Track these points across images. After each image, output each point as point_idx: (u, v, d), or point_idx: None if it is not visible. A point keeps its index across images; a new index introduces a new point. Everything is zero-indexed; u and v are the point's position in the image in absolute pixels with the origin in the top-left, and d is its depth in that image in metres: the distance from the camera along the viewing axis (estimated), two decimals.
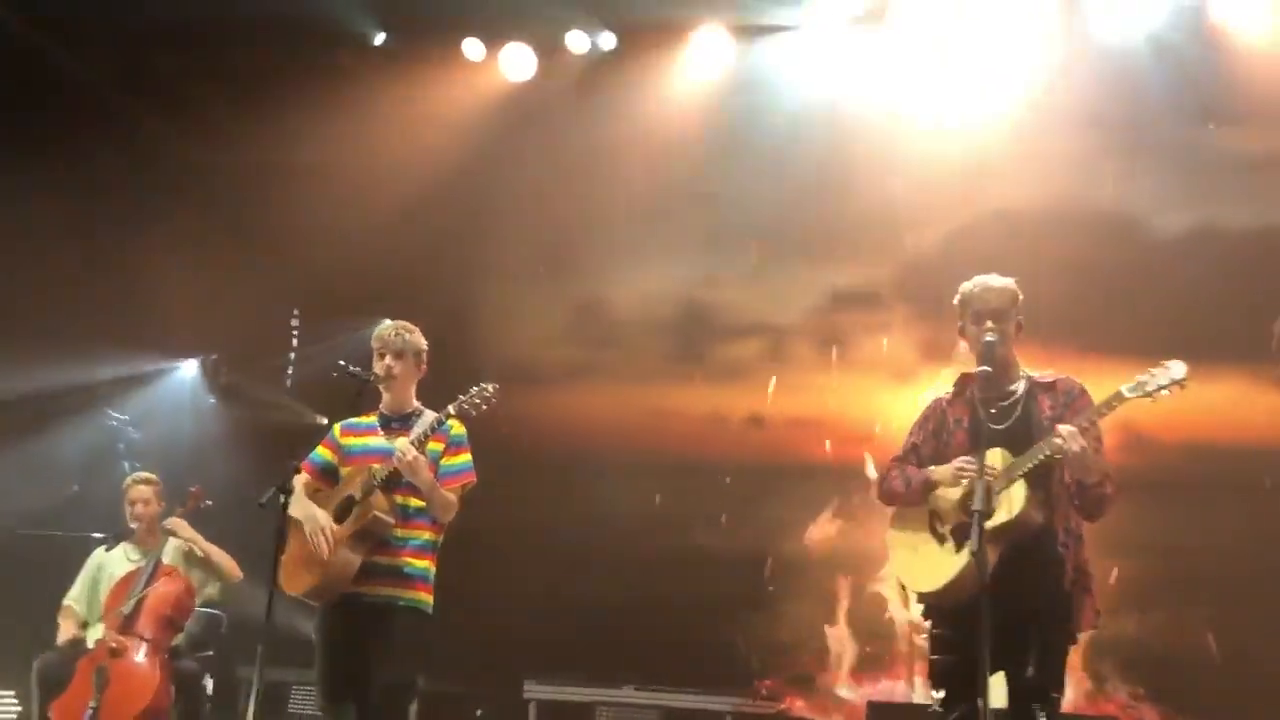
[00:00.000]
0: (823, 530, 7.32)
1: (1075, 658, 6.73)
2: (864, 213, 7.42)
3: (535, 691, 6.70)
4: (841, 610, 7.16)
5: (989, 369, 3.62)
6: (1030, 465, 3.53)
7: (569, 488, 7.51)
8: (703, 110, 7.60)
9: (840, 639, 7.12)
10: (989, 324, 3.71)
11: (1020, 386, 3.79)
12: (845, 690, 7.02)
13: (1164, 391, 3.42)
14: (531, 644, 6.98)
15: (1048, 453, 3.49)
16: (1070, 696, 6.70)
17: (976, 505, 3.29)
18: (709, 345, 7.86)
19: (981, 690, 3.11)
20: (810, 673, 7.12)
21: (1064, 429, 3.46)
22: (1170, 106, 7.08)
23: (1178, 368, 3.44)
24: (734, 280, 7.81)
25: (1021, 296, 3.82)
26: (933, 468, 3.80)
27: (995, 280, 3.82)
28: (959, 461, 3.68)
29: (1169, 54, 6.98)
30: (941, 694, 3.60)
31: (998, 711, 3.30)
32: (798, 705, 7.03)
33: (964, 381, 3.92)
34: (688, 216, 7.86)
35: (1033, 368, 3.90)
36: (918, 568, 3.77)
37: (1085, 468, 3.50)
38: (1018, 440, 3.63)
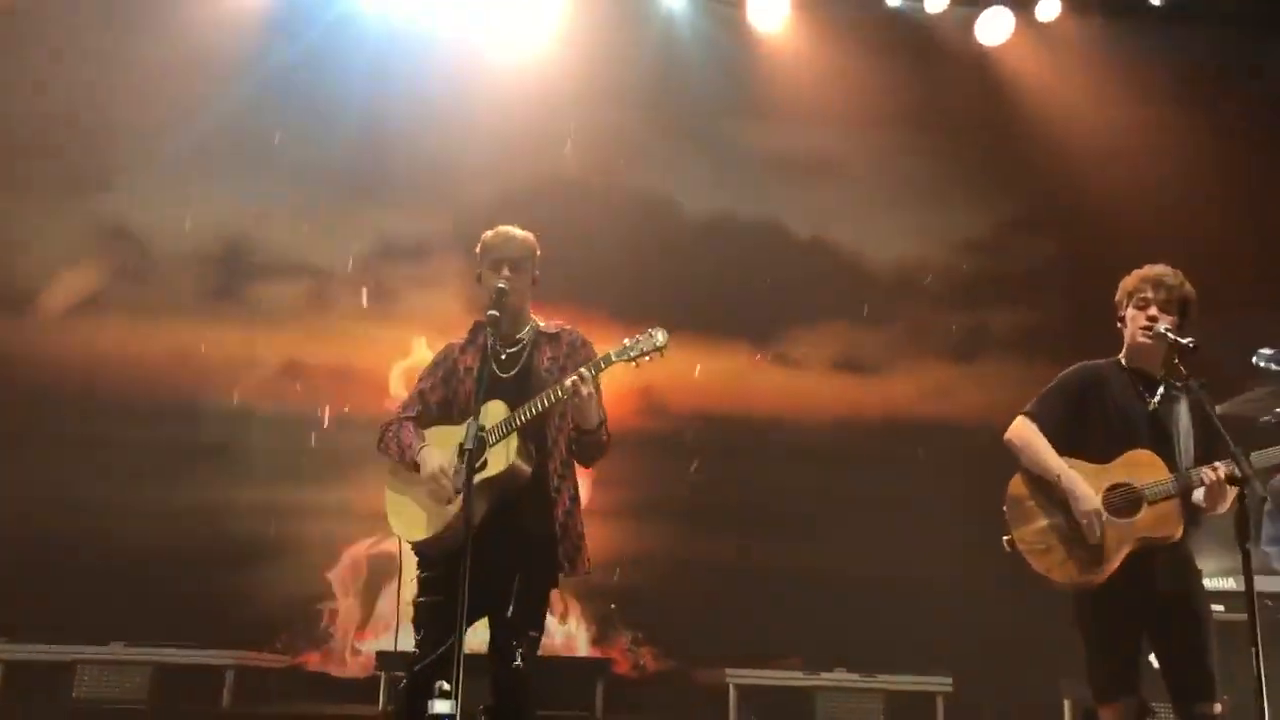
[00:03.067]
0: (350, 483, 7.18)
1: (580, 605, 7.24)
2: (421, 164, 7.37)
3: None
4: (359, 564, 7.08)
5: (497, 313, 3.69)
6: (530, 415, 3.64)
7: (80, 430, 6.80)
8: (261, 38, 7.19)
9: (356, 592, 7.06)
10: (505, 271, 3.80)
11: (527, 335, 3.91)
12: (360, 643, 6.97)
13: (645, 357, 3.62)
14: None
15: (555, 398, 3.62)
16: (579, 641, 7.21)
17: (466, 444, 3.36)
18: (248, 284, 7.41)
19: (459, 630, 3.17)
20: (327, 625, 7.00)
21: (574, 377, 3.60)
22: (708, 98, 7.66)
23: (660, 335, 3.62)
24: (282, 219, 7.42)
25: (539, 251, 3.92)
26: (424, 453, 3.77)
27: (516, 231, 3.91)
28: (439, 470, 3.70)
29: (711, 48, 7.55)
30: (421, 634, 3.64)
31: (478, 654, 3.38)
32: (313, 659, 6.88)
33: (476, 328, 3.97)
34: (236, 146, 7.35)
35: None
36: (410, 517, 3.78)
37: (587, 415, 3.65)
38: (520, 389, 3.72)
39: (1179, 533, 3.69)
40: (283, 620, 6.88)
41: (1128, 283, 3.97)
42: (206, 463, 6.97)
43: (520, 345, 3.89)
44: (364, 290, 7.44)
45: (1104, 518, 3.70)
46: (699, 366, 7.54)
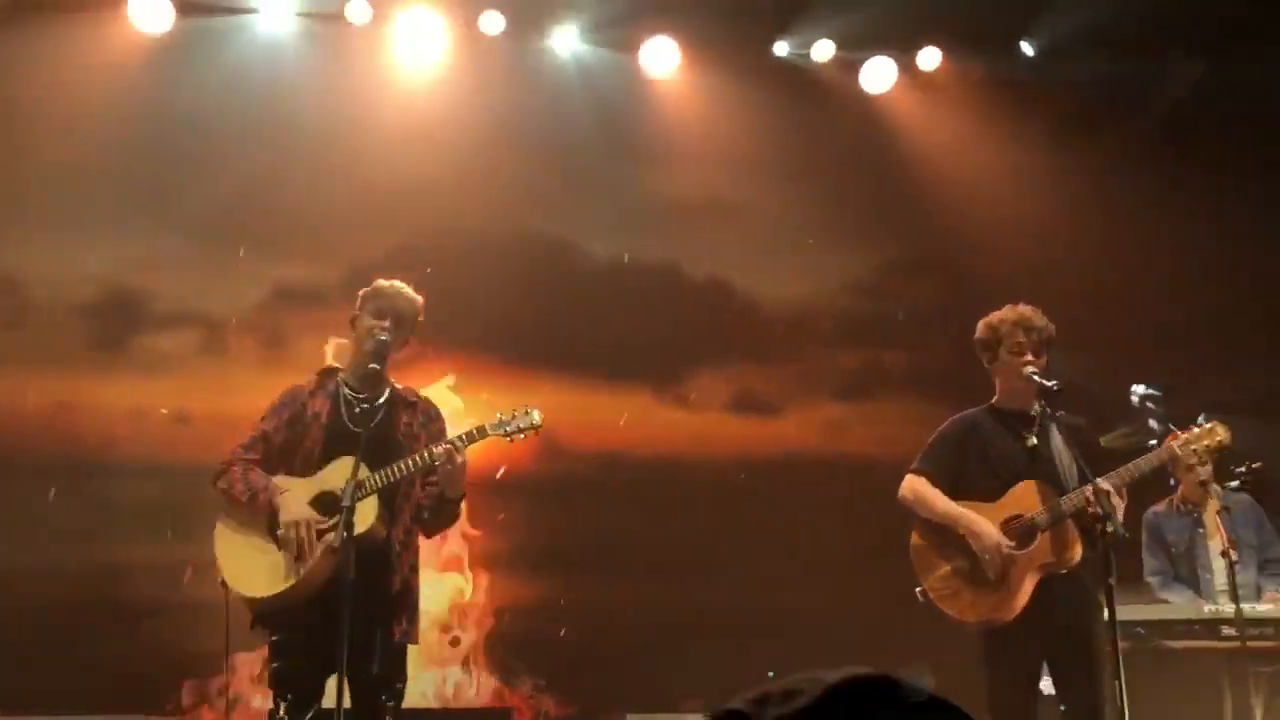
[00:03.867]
0: None
1: (482, 654, 7.18)
2: (316, 212, 7.31)
3: None
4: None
5: (378, 367, 3.69)
6: (393, 478, 3.64)
7: None
8: (148, 81, 7.08)
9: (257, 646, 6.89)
10: (387, 323, 3.79)
11: (385, 394, 3.87)
12: (258, 698, 6.80)
13: (521, 435, 3.69)
14: None
15: (421, 463, 3.62)
16: (481, 692, 7.13)
17: (346, 501, 3.34)
18: (134, 333, 7.24)
19: (339, 688, 3.16)
20: (224, 680, 6.81)
21: (447, 445, 3.60)
22: (603, 143, 7.76)
23: (536, 415, 3.72)
24: (169, 265, 7.27)
25: (421, 318, 3.94)
26: (284, 499, 3.68)
27: (409, 290, 3.92)
28: (301, 521, 3.64)
29: (605, 94, 7.65)
30: (289, 698, 3.58)
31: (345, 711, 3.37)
32: (206, 717, 6.70)
33: (327, 374, 3.94)
34: (122, 193, 7.21)
35: (403, 381, 4.02)
36: (251, 568, 3.68)
37: (456, 482, 3.67)
38: (374, 447, 3.68)
39: (1078, 554, 3.82)
40: (177, 680, 6.68)
41: (998, 327, 4.11)
42: (95, 517, 6.77)
43: (378, 403, 3.83)
44: (257, 338, 7.34)
45: (1005, 549, 3.82)
46: (598, 408, 7.59)
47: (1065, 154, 7.57)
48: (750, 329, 8.01)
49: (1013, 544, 3.84)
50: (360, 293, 3.94)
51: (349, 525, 3.34)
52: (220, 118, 7.24)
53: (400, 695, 3.71)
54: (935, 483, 4.05)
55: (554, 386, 7.26)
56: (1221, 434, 3.94)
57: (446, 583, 7.22)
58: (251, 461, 3.78)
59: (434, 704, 6.97)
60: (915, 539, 4.04)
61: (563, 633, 7.11)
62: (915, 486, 4.07)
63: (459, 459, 3.59)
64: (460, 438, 3.65)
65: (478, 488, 7.23)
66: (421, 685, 7.03)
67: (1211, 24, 7.19)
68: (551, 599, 7.21)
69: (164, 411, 7.07)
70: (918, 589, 3.97)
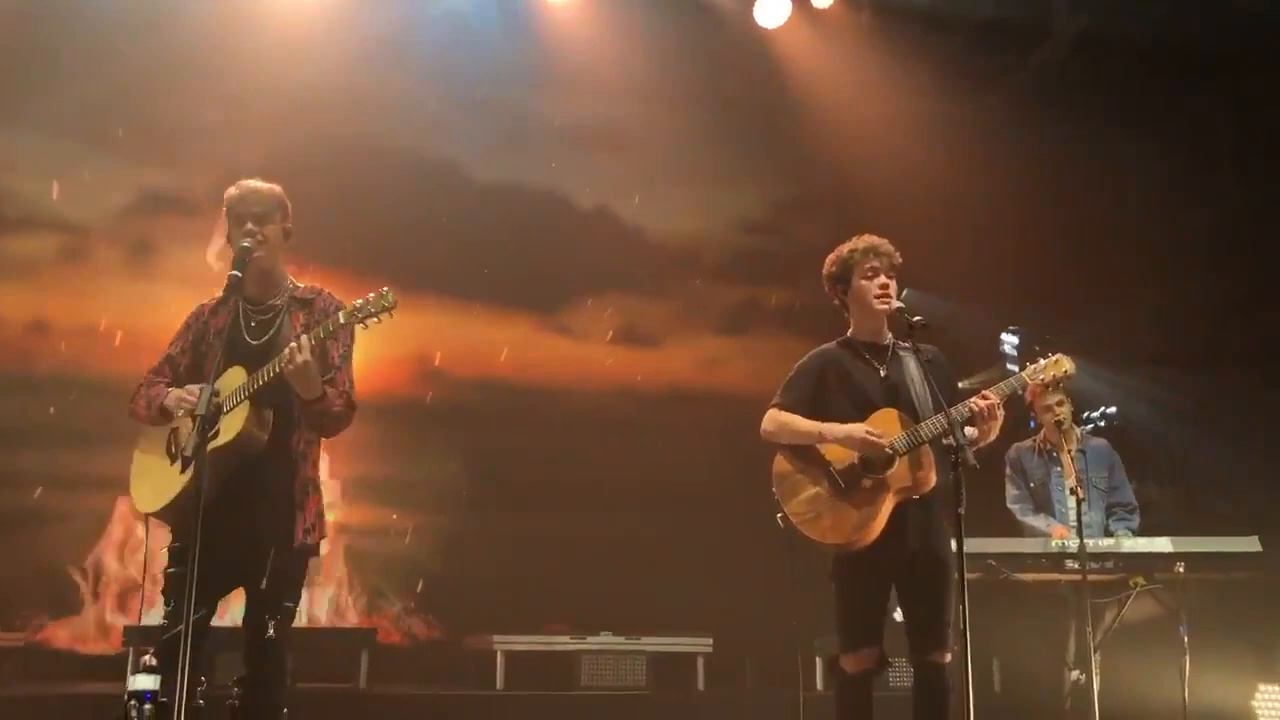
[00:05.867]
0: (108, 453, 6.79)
1: (350, 575, 7.13)
2: (186, 119, 7.00)
3: None
4: (110, 537, 6.73)
5: (239, 274, 3.54)
6: (262, 382, 3.52)
7: None
8: None
9: (107, 565, 6.72)
10: (249, 227, 3.65)
11: (282, 300, 3.74)
12: (112, 616, 6.64)
13: (375, 318, 3.44)
14: None
15: (275, 371, 3.51)
16: (350, 612, 7.08)
17: (199, 410, 3.23)
18: None
19: (206, 600, 3.09)
20: (78, 600, 6.63)
21: (295, 342, 3.46)
22: (493, 66, 7.58)
23: (389, 295, 3.46)
24: (26, 166, 6.91)
25: (290, 205, 3.75)
26: (172, 395, 3.61)
27: (259, 184, 3.72)
28: (182, 395, 3.57)
29: (496, 16, 7.47)
30: (170, 605, 3.51)
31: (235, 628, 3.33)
32: (59, 635, 6.51)
33: (230, 287, 3.70)
34: None
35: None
36: (148, 487, 3.66)
37: (305, 383, 3.51)
38: (268, 354, 3.55)
39: (933, 479, 3.90)
40: (28, 597, 6.47)
41: (848, 257, 4.14)
42: None
43: (273, 310, 3.70)
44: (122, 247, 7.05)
45: (875, 434, 3.89)
46: (480, 335, 7.52)
47: (950, 99, 7.69)
48: (636, 261, 8.00)
49: (866, 471, 3.91)
50: (222, 211, 3.77)
51: (203, 435, 3.22)
52: (92, 14, 6.83)
53: (289, 614, 3.58)
54: (794, 414, 4.10)
55: (436, 310, 7.17)
56: (1067, 365, 4.04)
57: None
58: (156, 382, 3.68)
59: (303, 623, 6.90)
60: (779, 465, 4.07)
61: (425, 553, 7.09)
62: (776, 416, 4.10)
63: (299, 358, 3.44)
64: (306, 335, 3.52)
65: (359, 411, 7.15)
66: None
67: None
68: (424, 524, 7.17)
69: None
70: (779, 515, 4.03)
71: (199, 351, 3.73)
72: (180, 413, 3.56)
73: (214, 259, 6.93)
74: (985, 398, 3.88)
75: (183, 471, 3.53)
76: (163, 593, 3.57)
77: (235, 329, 3.64)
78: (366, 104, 7.32)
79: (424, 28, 7.40)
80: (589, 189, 7.99)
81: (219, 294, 3.75)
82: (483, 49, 7.52)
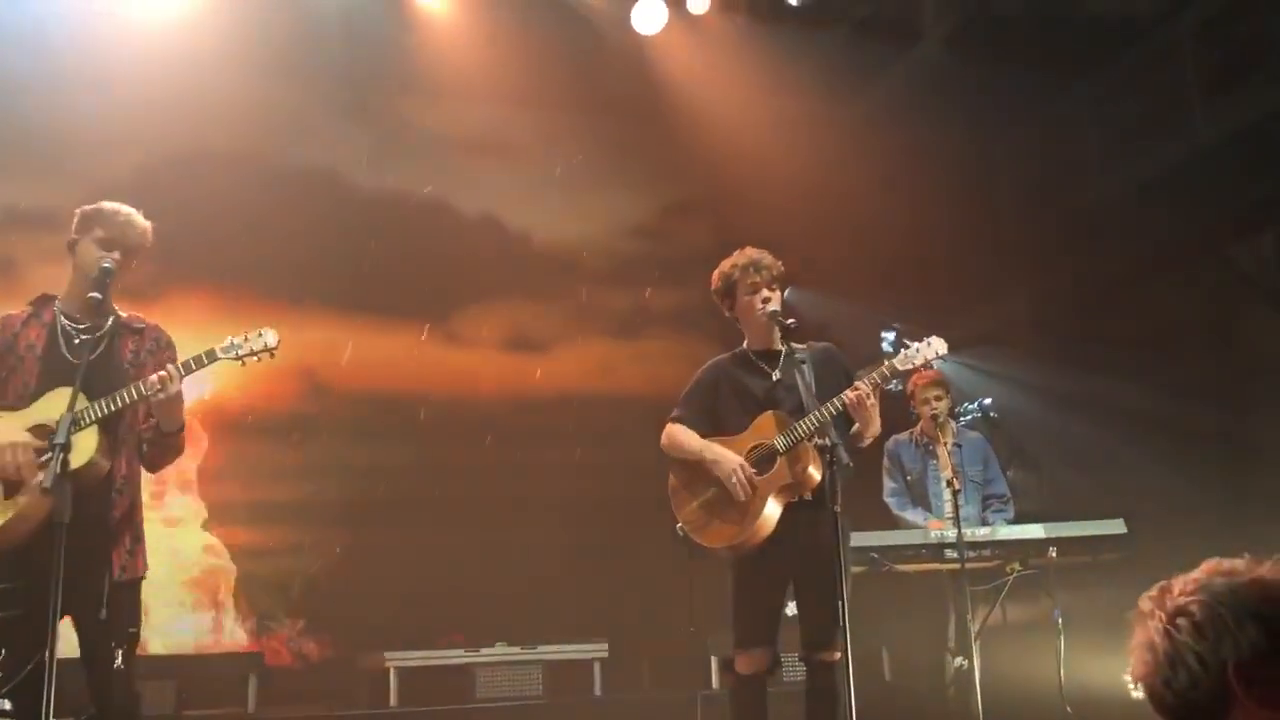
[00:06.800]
0: None
1: (238, 598, 6.95)
2: (50, 130, 6.74)
3: None
4: None
5: (99, 296, 3.45)
6: (112, 408, 3.43)
7: None
8: None
9: None
10: (115, 254, 3.56)
11: (108, 323, 3.63)
12: None
13: (254, 357, 3.54)
14: None
15: (141, 393, 3.43)
16: (237, 635, 6.92)
17: (59, 438, 3.12)
18: None
19: (43, 639, 2.96)
20: None
21: (165, 371, 3.41)
22: (371, 73, 7.49)
23: (270, 335, 3.55)
24: None
25: (152, 238, 3.67)
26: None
27: (139, 217, 3.65)
28: (8, 445, 3.38)
29: (371, 23, 7.35)
30: (2, 655, 3.29)
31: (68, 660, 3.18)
32: None
33: (42, 302, 3.66)
34: None
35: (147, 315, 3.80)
36: None
37: (172, 414, 3.50)
38: (95, 377, 3.46)
39: (816, 477, 3.97)
40: None
41: (730, 273, 4.24)
42: None
43: (99, 333, 3.59)
44: None
45: (746, 469, 3.95)
46: (365, 346, 7.40)
47: (827, 102, 7.83)
48: (522, 267, 7.97)
49: (754, 469, 3.99)
50: (77, 212, 3.64)
51: (64, 462, 3.10)
52: None
53: (134, 639, 3.49)
54: (693, 427, 4.18)
55: (317, 322, 7.03)
56: (939, 346, 4.13)
57: (194, 528, 6.94)
58: None
59: (190, 650, 6.72)
60: (671, 480, 4.18)
61: (315, 572, 6.96)
62: (670, 431, 4.23)
63: (172, 388, 3.39)
64: (185, 363, 3.45)
65: (238, 428, 6.99)
66: (178, 632, 6.77)
67: None
68: (312, 542, 7.04)
69: None
70: (677, 525, 4.10)
71: (6, 365, 3.56)
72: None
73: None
74: (856, 389, 3.98)
75: (6, 497, 3.36)
76: None
77: (53, 346, 3.52)
78: (243, 112, 7.14)
79: (301, 34, 7.22)
80: (472, 196, 7.94)
81: (27, 306, 3.65)
82: (361, 55, 7.42)
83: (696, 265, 8.13)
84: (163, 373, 3.39)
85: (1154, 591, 1.84)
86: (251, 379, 6.29)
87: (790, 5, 7.55)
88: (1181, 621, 1.77)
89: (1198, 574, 1.82)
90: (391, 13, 7.38)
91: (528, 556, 6.95)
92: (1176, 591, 1.81)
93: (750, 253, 4.25)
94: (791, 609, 4.30)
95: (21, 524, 3.32)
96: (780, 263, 4.24)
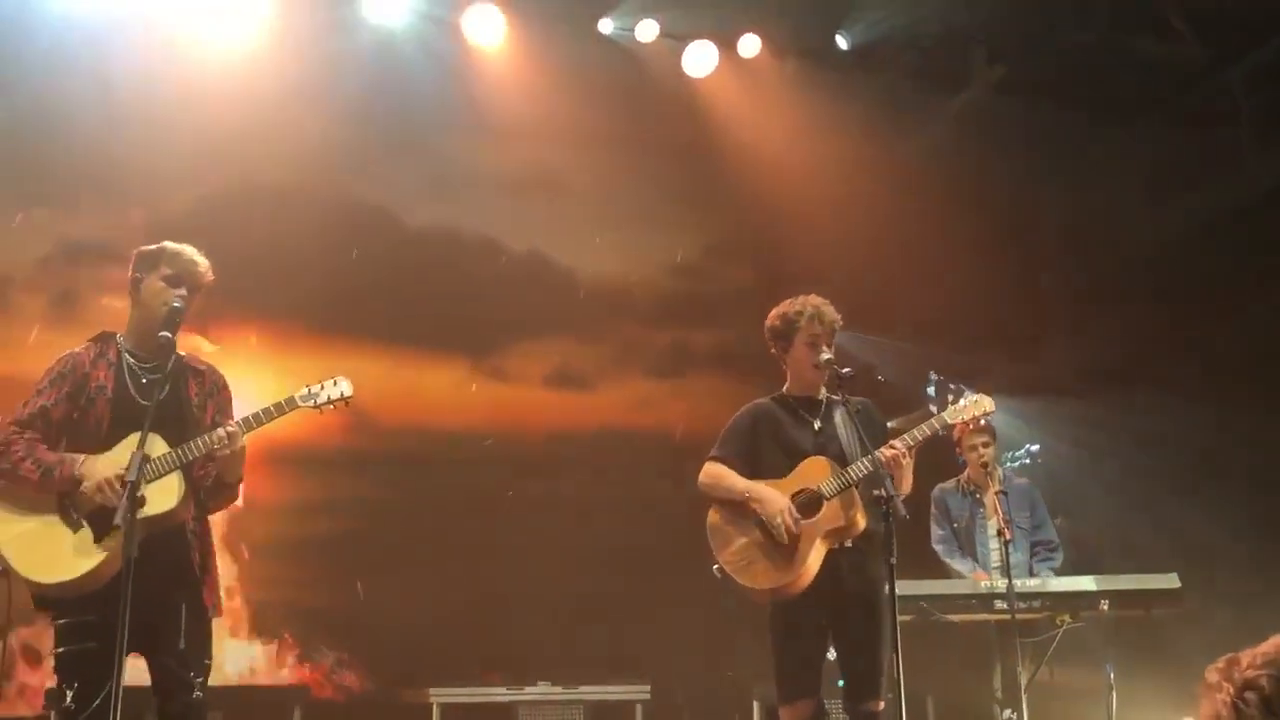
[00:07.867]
0: None
1: (286, 629, 7.00)
2: (108, 164, 6.87)
3: None
4: None
5: (170, 335, 3.52)
6: (193, 455, 3.49)
7: None
8: None
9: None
10: (182, 291, 3.62)
11: (171, 364, 3.64)
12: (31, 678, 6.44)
13: (330, 406, 3.59)
14: None
15: (217, 442, 3.49)
16: (282, 669, 6.95)
17: (130, 477, 3.17)
18: None
19: (115, 673, 3.02)
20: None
21: (231, 427, 3.48)
22: (424, 110, 7.58)
23: (345, 385, 3.61)
24: None
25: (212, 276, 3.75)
26: (87, 465, 3.46)
27: (202, 258, 3.73)
28: (108, 481, 3.41)
29: (426, 61, 7.46)
30: (75, 686, 3.35)
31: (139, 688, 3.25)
32: None
33: (103, 340, 3.70)
34: None
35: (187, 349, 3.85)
36: (42, 554, 3.43)
37: (236, 467, 3.58)
38: (168, 419, 3.52)
39: (862, 523, 3.97)
40: None
41: (793, 319, 4.23)
42: None
43: (160, 372, 3.60)
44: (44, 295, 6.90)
45: (793, 511, 3.95)
46: (411, 380, 7.47)
47: (874, 146, 7.85)
48: (568, 305, 8.02)
49: (799, 515, 3.98)
50: (138, 252, 3.70)
51: (134, 501, 3.15)
52: (6, 52, 6.69)
53: (208, 671, 3.57)
54: (731, 467, 4.18)
55: (365, 357, 7.11)
56: (987, 404, 4.16)
57: (239, 558, 7.00)
58: (33, 440, 3.49)
59: (234, 681, 6.76)
60: (711, 518, 4.15)
61: (361, 596, 6.99)
62: (710, 469, 4.21)
63: (239, 444, 3.46)
64: (266, 410, 3.51)
65: (286, 461, 7.06)
66: (221, 663, 6.82)
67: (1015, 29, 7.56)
68: (357, 575, 7.07)
69: None
70: (714, 566, 4.08)
71: (76, 404, 3.59)
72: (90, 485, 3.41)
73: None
74: (892, 448, 3.98)
75: (97, 539, 3.42)
76: (57, 672, 3.42)
77: (122, 387, 3.58)
78: (295, 149, 7.24)
79: (352, 72, 7.36)
80: (520, 233, 8.01)
81: (89, 343, 3.70)
82: (412, 94, 7.50)
83: (740, 305, 8.25)
84: (232, 427, 3.44)
85: (1221, 664, 1.83)
86: (301, 413, 6.35)
87: (840, 50, 7.60)
88: (1250, 695, 1.76)
89: (1267, 648, 1.81)
90: (446, 52, 7.50)
91: (570, 596, 6.95)
92: (1245, 665, 1.80)
93: (815, 301, 4.25)
94: (831, 653, 4.28)
95: (108, 567, 3.37)
96: (839, 316, 4.25)
